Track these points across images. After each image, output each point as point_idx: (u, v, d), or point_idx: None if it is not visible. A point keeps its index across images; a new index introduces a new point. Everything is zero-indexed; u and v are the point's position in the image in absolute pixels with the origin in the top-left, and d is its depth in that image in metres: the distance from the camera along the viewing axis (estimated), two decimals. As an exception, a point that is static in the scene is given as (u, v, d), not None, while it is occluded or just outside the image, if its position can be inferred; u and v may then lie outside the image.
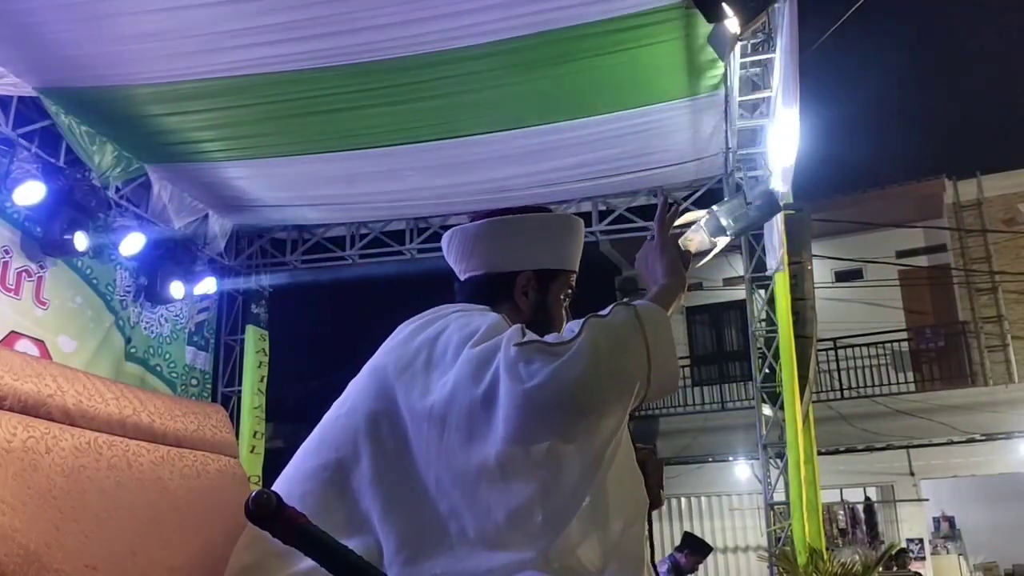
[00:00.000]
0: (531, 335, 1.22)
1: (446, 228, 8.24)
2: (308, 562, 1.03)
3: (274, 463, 7.81)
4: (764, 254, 6.72)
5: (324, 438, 1.36)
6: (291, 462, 1.40)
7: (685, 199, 7.07)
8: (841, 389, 11.53)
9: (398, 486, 1.25)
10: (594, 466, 1.21)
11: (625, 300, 1.31)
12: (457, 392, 1.22)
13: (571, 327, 1.24)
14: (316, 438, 1.39)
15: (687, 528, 11.98)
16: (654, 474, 1.45)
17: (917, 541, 11.13)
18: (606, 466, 1.23)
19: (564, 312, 1.56)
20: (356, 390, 1.38)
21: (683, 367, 12.70)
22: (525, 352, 1.17)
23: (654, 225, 1.54)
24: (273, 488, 1.38)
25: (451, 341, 1.29)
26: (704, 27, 4.68)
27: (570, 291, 1.57)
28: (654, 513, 1.45)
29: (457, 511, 1.21)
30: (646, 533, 1.32)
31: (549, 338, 1.21)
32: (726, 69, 5.37)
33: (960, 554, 11.31)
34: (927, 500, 11.40)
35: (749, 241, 6.90)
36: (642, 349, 1.22)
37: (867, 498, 11.72)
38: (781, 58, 4.82)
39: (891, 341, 11.69)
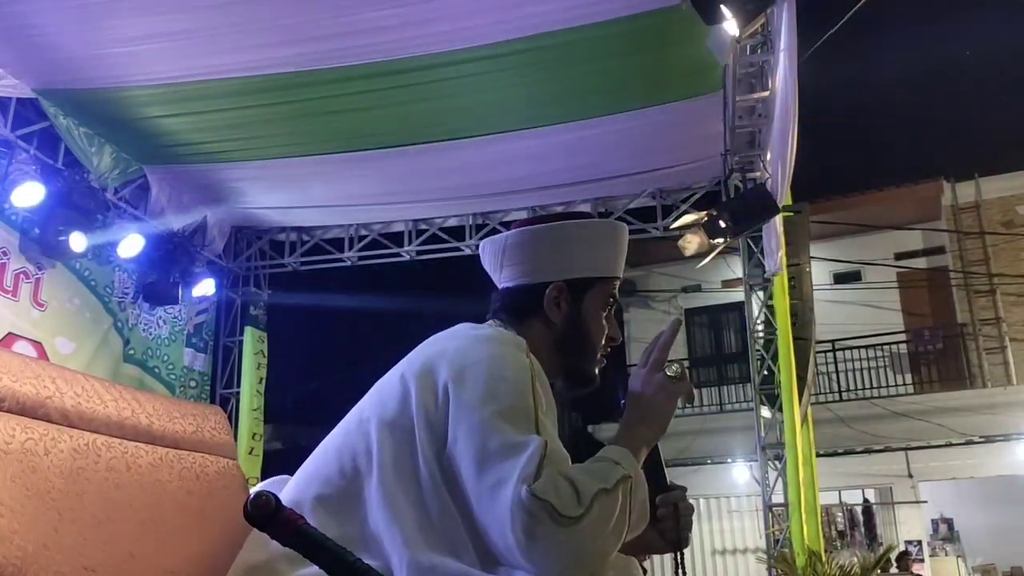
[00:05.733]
0: (545, 487, 1.17)
1: (445, 230, 8.24)
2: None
3: (273, 465, 7.81)
4: (762, 256, 6.72)
5: (344, 442, 1.35)
6: (311, 458, 1.39)
7: (683, 201, 7.08)
8: (840, 391, 11.53)
9: (403, 502, 1.24)
10: None
11: (621, 467, 1.27)
12: (465, 463, 1.22)
13: (581, 483, 1.20)
14: (337, 440, 1.37)
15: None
16: (684, 516, 1.45)
17: (916, 543, 11.13)
18: None
19: (606, 322, 1.51)
20: (378, 393, 1.37)
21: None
22: (535, 507, 1.15)
23: (656, 349, 1.42)
24: (291, 482, 1.38)
25: (478, 394, 1.27)
26: (703, 29, 4.68)
27: (612, 299, 1.52)
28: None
29: (451, 540, 1.23)
30: None
31: (566, 493, 1.18)
32: (725, 71, 5.38)
33: (959, 556, 11.31)
34: (925, 502, 11.40)
35: (747, 243, 6.91)
36: (626, 519, 1.24)
37: (865, 500, 11.72)
38: (779, 60, 4.83)
39: (889, 343, 11.69)
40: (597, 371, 1.54)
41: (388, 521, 1.23)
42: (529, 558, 1.16)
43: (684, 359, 12.78)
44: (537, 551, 1.15)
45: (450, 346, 1.37)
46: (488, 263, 1.58)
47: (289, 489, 1.36)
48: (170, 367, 7.01)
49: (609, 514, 1.21)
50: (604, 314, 1.51)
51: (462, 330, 1.43)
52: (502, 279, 1.54)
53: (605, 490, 1.21)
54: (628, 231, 1.60)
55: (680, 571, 1.51)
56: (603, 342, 1.52)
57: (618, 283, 1.55)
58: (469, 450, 1.22)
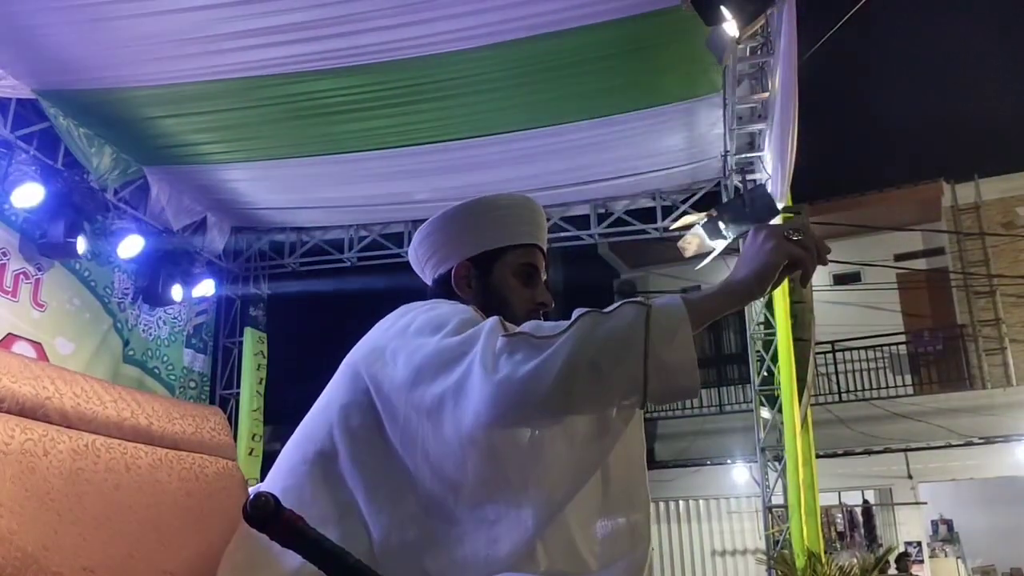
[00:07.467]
0: (520, 328, 1.15)
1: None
2: (297, 559, 1.03)
3: (272, 465, 7.80)
4: (762, 257, 6.70)
5: (302, 435, 1.38)
6: (275, 462, 1.42)
7: (683, 202, 7.08)
8: (839, 392, 11.53)
9: (378, 472, 1.25)
10: (582, 456, 1.18)
11: (638, 302, 1.14)
12: (427, 381, 1.19)
13: (575, 315, 1.15)
14: (296, 436, 1.40)
15: (684, 532, 11.97)
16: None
17: (915, 544, 11.12)
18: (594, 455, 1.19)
19: (529, 289, 1.47)
20: (330, 386, 1.39)
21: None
22: (512, 344, 1.11)
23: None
24: (264, 482, 1.39)
25: (421, 329, 1.26)
26: (703, 30, 4.68)
27: (528, 265, 1.47)
28: (651, 516, 1.40)
29: (436, 494, 1.21)
30: (644, 527, 1.28)
31: (546, 327, 1.13)
32: (724, 72, 5.38)
33: (958, 557, 11.30)
34: (925, 503, 11.39)
35: (747, 244, 6.89)
36: (638, 358, 1.07)
37: (865, 501, 11.72)
38: (779, 61, 4.83)
39: (889, 344, 11.69)
40: None
41: (357, 486, 1.25)
42: (509, 397, 1.07)
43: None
44: (516, 383, 1.07)
45: (391, 320, 1.38)
46: (417, 270, 1.59)
47: (263, 488, 1.37)
48: (170, 368, 7.01)
49: (595, 335, 1.08)
50: (522, 282, 1.47)
51: (402, 307, 1.43)
52: (427, 279, 1.56)
53: (600, 311, 1.12)
54: (534, 201, 1.55)
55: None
56: (530, 309, 1.47)
57: (536, 250, 1.50)
58: (430, 366, 1.19)
